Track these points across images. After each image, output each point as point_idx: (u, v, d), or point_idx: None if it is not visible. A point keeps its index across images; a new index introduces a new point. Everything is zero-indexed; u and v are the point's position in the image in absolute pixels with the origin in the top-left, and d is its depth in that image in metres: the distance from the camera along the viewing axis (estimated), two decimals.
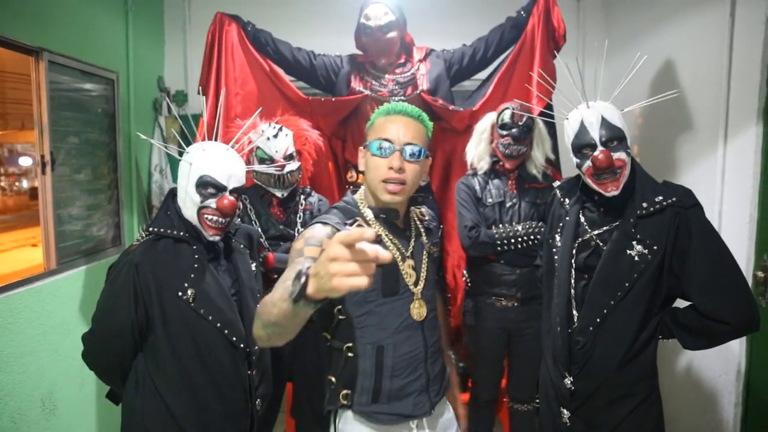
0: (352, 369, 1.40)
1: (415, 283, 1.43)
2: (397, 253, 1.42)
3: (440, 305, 1.64)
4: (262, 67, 2.63)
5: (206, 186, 1.56)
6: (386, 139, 1.37)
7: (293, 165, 2.12)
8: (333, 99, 2.61)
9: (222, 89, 2.49)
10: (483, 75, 2.81)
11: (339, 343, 1.41)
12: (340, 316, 1.39)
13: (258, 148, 2.12)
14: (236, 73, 2.59)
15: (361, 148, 1.45)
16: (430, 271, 1.48)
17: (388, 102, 1.30)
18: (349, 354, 1.39)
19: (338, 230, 1.33)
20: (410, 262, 1.44)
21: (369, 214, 1.43)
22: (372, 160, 1.39)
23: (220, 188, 1.56)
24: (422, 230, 1.52)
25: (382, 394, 1.38)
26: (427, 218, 1.57)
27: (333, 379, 1.43)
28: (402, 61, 2.64)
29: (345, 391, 1.40)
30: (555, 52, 2.48)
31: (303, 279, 0.95)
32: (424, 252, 1.48)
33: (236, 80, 2.60)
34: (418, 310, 1.42)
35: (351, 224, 1.39)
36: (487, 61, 2.71)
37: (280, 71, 2.69)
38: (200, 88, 2.60)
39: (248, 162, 2.14)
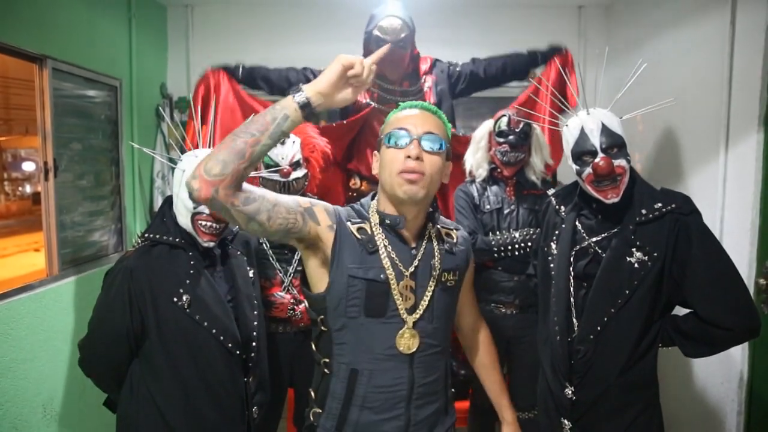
0: (325, 388, 1.28)
1: (411, 310, 1.26)
2: (391, 270, 1.25)
3: (489, 353, 1.54)
4: (256, 111, 2.59)
5: None
6: (402, 128, 1.24)
7: (299, 172, 2.12)
8: (344, 122, 2.55)
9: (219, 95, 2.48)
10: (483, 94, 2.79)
11: (319, 356, 1.31)
12: (322, 327, 1.28)
13: None
14: (230, 124, 2.52)
15: (375, 152, 1.32)
16: (437, 301, 1.29)
17: None
18: (325, 370, 1.28)
19: (339, 215, 1.28)
20: (408, 283, 1.26)
21: (376, 219, 1.29)
22: (387, 153, 1.25)
23: None
24: (436, 251, 1.32)
25: (348, 423, 1.25)
26: (455, 240, 1.38)
27: (313, 394, 1.34)
28: (410, 72, 2.61)
29: (316, 410, 1.30)
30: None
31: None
32: (432, 277, 1.30)
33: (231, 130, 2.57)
34: (407, 342, 1.25)
35: (354, 223, 1.28)
36: (496, 83, 2.69)
37: None
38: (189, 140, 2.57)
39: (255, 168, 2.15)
